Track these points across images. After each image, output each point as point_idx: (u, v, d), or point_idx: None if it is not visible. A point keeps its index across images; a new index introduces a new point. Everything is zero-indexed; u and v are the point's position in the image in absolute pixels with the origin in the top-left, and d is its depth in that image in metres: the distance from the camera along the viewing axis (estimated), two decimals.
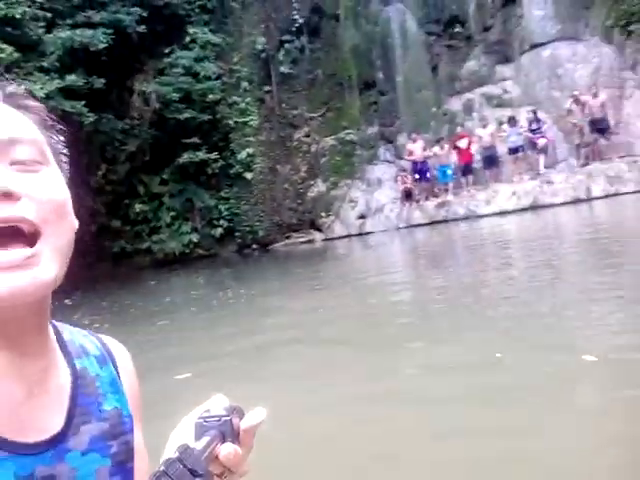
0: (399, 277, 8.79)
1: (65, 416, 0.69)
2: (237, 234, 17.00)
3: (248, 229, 17.01)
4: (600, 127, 14.08)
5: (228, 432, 0.67)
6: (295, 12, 17.75)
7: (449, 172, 15.33)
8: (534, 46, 16.56)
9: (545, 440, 2.73)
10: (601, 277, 5.98)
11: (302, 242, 16.55)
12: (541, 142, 14.62)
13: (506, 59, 17.04)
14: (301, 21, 17.69)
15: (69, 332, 0.78)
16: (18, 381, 0.65)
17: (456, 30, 17.47)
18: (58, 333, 0.74)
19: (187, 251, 16.42)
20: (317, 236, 16.64)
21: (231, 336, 6.09)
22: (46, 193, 0.64)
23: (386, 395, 3.68)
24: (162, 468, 0.59)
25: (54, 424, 0.68)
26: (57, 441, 0.67)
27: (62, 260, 0.65)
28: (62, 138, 0.73)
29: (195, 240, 16.51)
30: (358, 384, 3.97)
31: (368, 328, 5.63)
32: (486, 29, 17.28)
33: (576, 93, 14.49)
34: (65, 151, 0.73)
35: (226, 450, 0.65)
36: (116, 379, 0.78)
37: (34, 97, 0.71)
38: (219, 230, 16.73)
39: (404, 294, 7.27)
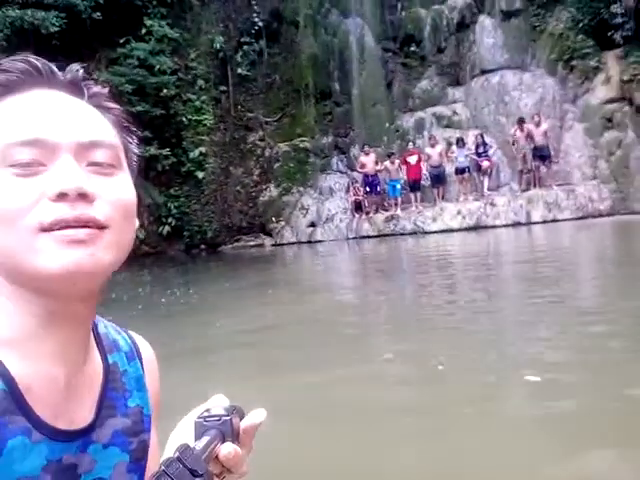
0: (345, 284, 9.07)
1: (95, 409, 0.71)
2: (185, 233, 16.74)
3: (197, 229, 16.79)
4: (542, 154, 14.91)
5: (228, 432, 0.68)
6: (255, 15, 17.74)
7: (398, 187, 15.76)
8: (484, 72, 17.31)
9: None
10: (537, 295, 6.38)
11: (251, 246, 16.53)
12: (485, 165, 15.31)
13: (457, 82, 17.72)
14: (261, 24, 17.70)
15: (104, 325, 0.80)
16: (62, 368, 0.67)
17: (411, 49, 17.99)
18: (94, 326, 0.76)
19: (133, 247, 15.93)
20: (266, 241, 16.66)
21: (181, 336, 6.05)
22: (117, 197, 0.67)
23: (333, 383, 3.90)
24: (162, 468, 0.59)
25: (84, 415, 0.70)
26: (85, 432, 0.69)
27: (120, 252, 0.68)
28: (136, 139, 0.76)
29: (141, 237, 16.10)
30: (304, 375, 4.18)
31: (315, 329, 5.82)
32: (440, 51, 17.91)
33: (525, 124, 15.19)
34: (137, 151, 0.76)
35: (226, 450, 0.66)
36: (142, 376, 0.80)
37: (114, 98, 0.74)
38: (167, 228, 16.42)
39: (349, 299, 7.48)
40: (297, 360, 4.66)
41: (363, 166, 16.07)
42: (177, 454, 0.61)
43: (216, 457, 0.66)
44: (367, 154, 16.05)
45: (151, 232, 16.40)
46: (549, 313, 5.56)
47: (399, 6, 18.19)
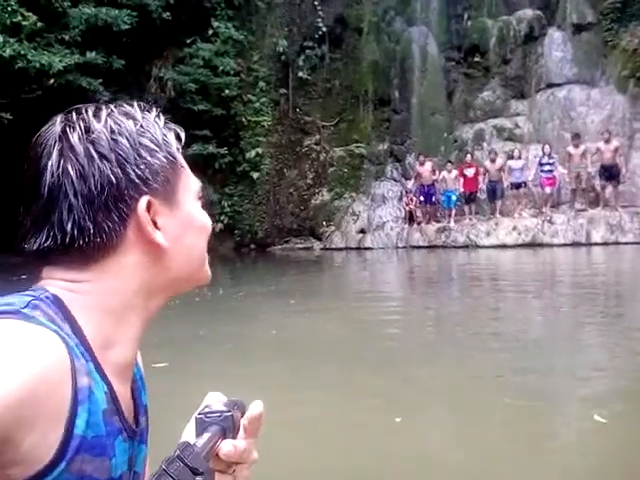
0: (390, 295, 8.87)
1: (133, 407, 0.76)
2: (236, 232, 16.96)
3: (248, 228, 16.99)
4: (610, 174, 14.19)
5: (229, 427, 0.68)
6: (319, 20, 17.84)
7: (454, 198, 15.44)
8: (550, 85, 16.78)
9: None
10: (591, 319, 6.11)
11: (300, 248, 16.56)
12: (547, 190, 14.74)
13: (522, 94, 17.25)
14: (324, 30, 17.80)
15: None
16: (131, 368, 0.76)
17: (475, 59, 17.64)
18: None
19: None
20: (315, 244, 16.66)
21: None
22: None
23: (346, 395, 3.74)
24: (162, 467, 0.59)
25: (132, 414, 0.75)
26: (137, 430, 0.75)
27: None
28: None
29: None
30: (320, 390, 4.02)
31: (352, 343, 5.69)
32: (505, 62, 17.48)
33: (585, 144, 14.55)
34: None
35: (226, 449, 0.67)
36: (144, 377, 0.84)
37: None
38: (219, 225, 16.63)
39: (393, 315, 7.11)
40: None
41: (419, 176, 15.83)
42: (177, 452, 0.61)
43: (217, 454, 0.67)
44: (422, 164, 15.80)
45: None
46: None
47: (465, 16, 17.89)
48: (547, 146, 14.88)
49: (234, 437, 0.68)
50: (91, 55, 14.63)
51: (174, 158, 0.75)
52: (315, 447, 3.19)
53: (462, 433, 3.38)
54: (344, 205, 16.83)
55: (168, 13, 16.06)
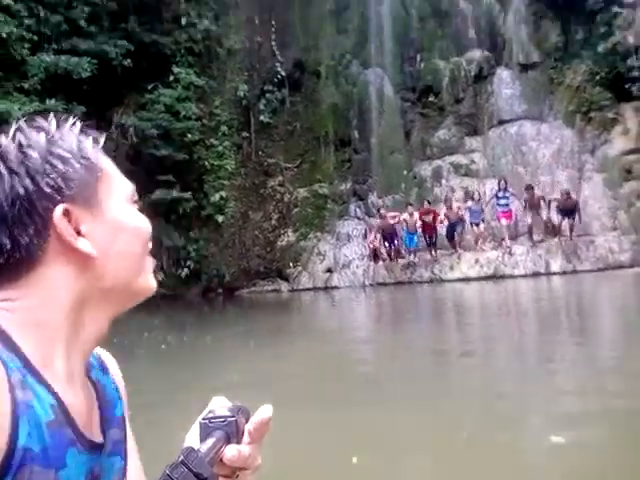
0: (360, 335, 8.98)
1: (99, 422, 0.77)
2: (203, 276, 16.84)
3: (215, 272, 16.87)
4: (569, 214, 14.55)
5: (233, 433, 0.68)
6: (278, 65, 18.29)
7: (415, 239, 15.56)
8: (502, 122, 17.53)
9: None
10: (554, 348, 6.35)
11: (268, 291, 16.55)
12: (504, 222, 15.18)
13: (475, 131, 17.93)
14: (283, 74, 18.23)
15: None
16: (83, 382, 0.76)
17: (430, 99, 18.30)
18: None
19: None
20: (283, 286, 16.67)
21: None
22: None
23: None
24: (167, 472, 0.60)
25: (96, 428, 0.76)
26: (103, 444, 0.75)
27: None
28: None
29: (160, 279, 16.10)
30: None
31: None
32: (458, 101, 18.19)
33: (542, 193, 15.03)
34: None
35: (230, 453, 0.67)
36: (117, 387, 0.84)
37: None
38: (185, 271, 16.53)
39: (364, 354, 7.26)
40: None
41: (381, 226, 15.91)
42: (181, 457, 0.62)
43: (221, 459, 0.67)
44: (384, 218, 15.61)
45: (170, 275, 16.49)
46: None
47: (418, 57, 18.62)
48: (502, 181, 15.42)
49: (238, 442, 0.68)
50: (51, 102, 14.57)
51: (91, 163, 0.75)
52: None
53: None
54: (310, 245, 16.98)
55: (129, 60, 16.20)
